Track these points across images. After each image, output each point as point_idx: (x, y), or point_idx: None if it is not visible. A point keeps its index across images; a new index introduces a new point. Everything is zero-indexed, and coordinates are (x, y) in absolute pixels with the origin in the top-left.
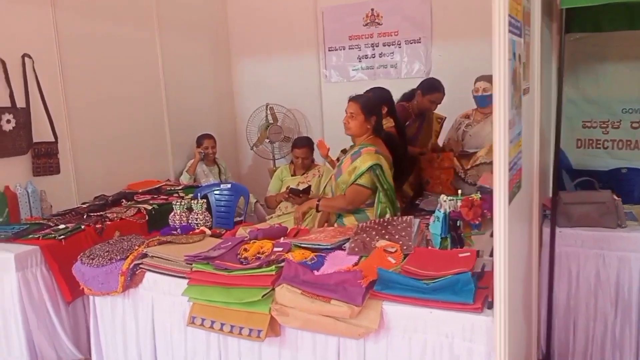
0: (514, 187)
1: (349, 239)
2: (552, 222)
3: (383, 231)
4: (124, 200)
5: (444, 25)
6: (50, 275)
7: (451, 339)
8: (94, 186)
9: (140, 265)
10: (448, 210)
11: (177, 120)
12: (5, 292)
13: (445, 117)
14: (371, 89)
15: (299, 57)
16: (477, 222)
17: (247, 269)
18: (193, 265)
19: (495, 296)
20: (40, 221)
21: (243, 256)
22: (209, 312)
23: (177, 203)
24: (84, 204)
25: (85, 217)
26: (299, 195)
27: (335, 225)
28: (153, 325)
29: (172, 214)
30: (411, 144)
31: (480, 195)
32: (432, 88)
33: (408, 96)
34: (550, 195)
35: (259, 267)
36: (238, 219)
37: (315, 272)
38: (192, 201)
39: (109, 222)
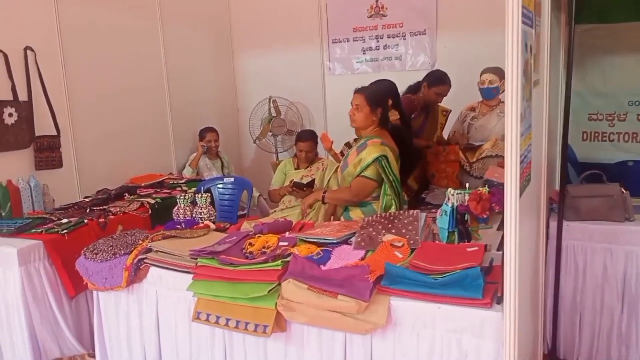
0: (524, 181)
1: (354, 233)
2: (560, 215)
3: (389, 225)
4: (126, 194)
5: (450, 17)
6: (53, 269)
7: (460, 335)
8: (96, 180)
9: (145, 260)
10: (456, 204)
11: (179, 113)
12: (8, 286)
13: (451, 110)
14: (376, 81)
15: (302, 49)
16: (485, 216)
17: (252, 264)
18: (198, 260)
19: (505, 292)
20: (43, 215)
21: (248, 251)
22: (214, 308)
23: (181, 197)
24: (86, 197)
25: (88, 211)
26: (302, 188)
27: (342, 218)
28: (157, 321)
29: (176, 208)
30: (416, 137)
31: (488, 189)
32: (438, 80)
33: (414, 88)
34: (557, 188)
35: (265, 261)
36: (241, 212)
37: (322, 267)
38: (196, 195)
39: (112, 216)
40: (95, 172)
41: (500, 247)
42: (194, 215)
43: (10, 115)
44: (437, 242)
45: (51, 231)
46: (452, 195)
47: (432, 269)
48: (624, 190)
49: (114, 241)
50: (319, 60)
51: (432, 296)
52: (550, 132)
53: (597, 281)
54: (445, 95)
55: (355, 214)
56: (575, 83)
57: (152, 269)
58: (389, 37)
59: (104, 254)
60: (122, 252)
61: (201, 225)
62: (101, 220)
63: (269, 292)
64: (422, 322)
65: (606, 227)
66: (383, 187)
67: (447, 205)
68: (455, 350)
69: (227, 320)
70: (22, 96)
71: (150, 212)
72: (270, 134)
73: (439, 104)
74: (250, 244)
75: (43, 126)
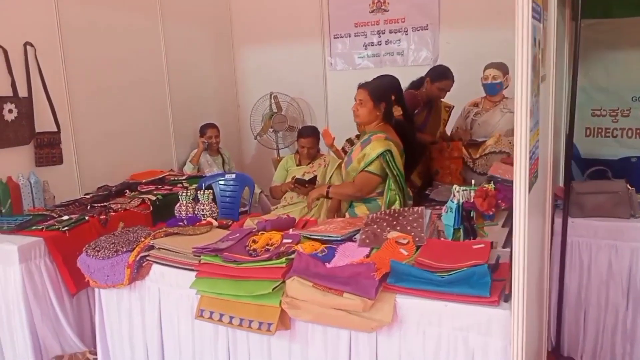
0: (532, 177)
1: (359, 230)
2: (565, 212)
3: (394, 222)
4: (127, 190)
5: (452, 12)
6: (54, 267)
7: (466, 333)
8: (97, 176)
9: (147, 258)
10: (462, 201)
11: (180, 109)
12: (9, 284)
13: (454, 106)
14: (380, 76)
15: (303, 44)
16: (491, 213)
17: (256, 261)
18: (201, 257)
19: (513, 290)
20: (44, 212)
21: (252, 248)
22: (217, 305)
23: (183, 194)
24: (87, 194)
25: (89, 208)
26: (304, 185)
27: (347, 215)
28: (160, 318)
29: (178, 204)
30: (419, 133)
31: (494, 186)
32: (441, 75)
33: (416, 84)
34: (561, 184)
35: (269, 259)
36: (242, 209)
37: (327, 265)
38: (198, 192)
39: (113, 213)
40: (96, 169)
41: (506, 244)
42: (196, 212)
43: (10, 111)
44: (442, 239)
45: (52, 228)
46: (458, 192)
47: (439, 267)
48: (629, 187)
49: (116, 238)
50: (320, 55)
51: (439, 294)
52: (555, 128)
53: (602, 278)
54: (449, 90)
55: (361, 210)
56: (579, 78)
57: (155, 267)
58: (390, 32)
59: (106, 251)
60: (124, 250)
61: (203, 222)
62: (102, 217)
63: (273, 289)
64: (428, 320)
65: (611, 223)
66: (387, 182)
67: (453, 202)
68: (462, 348)
69: (231, 318)
70: (22, 92)
71: (151, 208)
72: (271, 130)
73: (442, 99)
74: (254, 241)
75: (43, 122)
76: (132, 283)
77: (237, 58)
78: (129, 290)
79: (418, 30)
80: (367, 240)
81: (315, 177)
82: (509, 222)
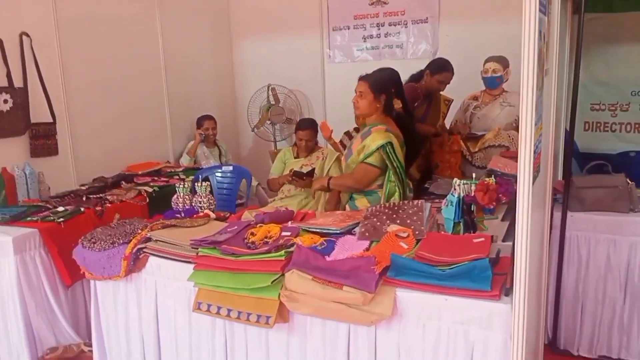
0: (535, 172)
1: (358, 223)
2: (564, 206)
3: (394, 215)
4: (123, 182)
5: (452, 5)
6: (49, 258)
7: (467, 327)
8: (92, 168)
9: (144, 250)
10: (462, 195)
11: (177, 100)
12: (4, 275)
13: (453, 100)
14: (380, 69)
15: (302, 36)
16: (492, 207)
17: (255, 254)
18: (199, 249)
19: (515, 284)
20: (39, 203)
21: (250, 241)
22: (215, 298)
23: (180, 186)
24: (82, 185)
25: (84, 199)
26: (302, 178)
27: (347, 207)
28: (156, 311)
29: (175, 196)
30: (422, 124)
31: (495, 180)
32: (441, 68)
33: (416, 77)
34: (560, 178)
35: (268, 252)
36: (239, 201)
37: (326, 258)
38: (196, 184)
39: (109, 205)
40: (92, 160)
41: (506, 237)
42: (193, 204)
43: (6, 101)
44: (442, 232)
45: (47, 219)
46: (459, 185)
47: (439, 260)
48: (629, 181)
49: (112, 230)
50: (319, 48)
51: (439, 288)
52: (556, 122)
53: (599, 272)
54: (448, 83)
55: (362, 202)
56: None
57: (151, 259)
58: (390, 25)
59: (102, 243)
60: (121, 242)
61: (201, 214)
62: (98, 208)
63: (272, 282)
64: (428, 313)
65: (611, 217)
66: (387, 173)
67: (454, 196)
68: (462, 342)
69: (229, 310)
70: (18, 82)
71: (147, 200)
72: (268, 122)
73: (442, 92)
74: (252, 234)
75: (39, 113)
76: (129, 275)
77: (235, 49)
78: (125, 283)
79: (418, 23)
80: (367, 234)
81: (313, 169)
82: (508, 215)
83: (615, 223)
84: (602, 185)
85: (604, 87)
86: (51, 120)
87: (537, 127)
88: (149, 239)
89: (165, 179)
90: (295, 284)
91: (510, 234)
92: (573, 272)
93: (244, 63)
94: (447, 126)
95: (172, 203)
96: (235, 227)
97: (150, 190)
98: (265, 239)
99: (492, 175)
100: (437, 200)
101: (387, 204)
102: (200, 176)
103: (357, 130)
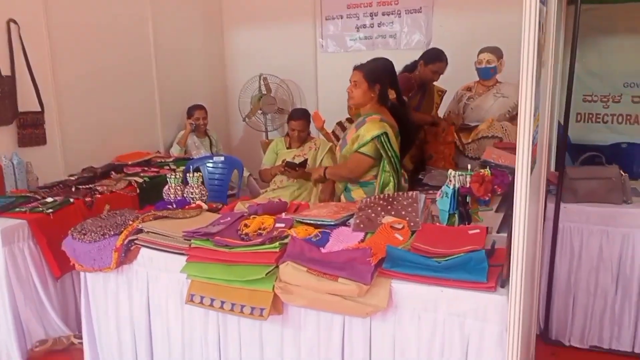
0: (532, 162)
1: (352, 214)
2: (557, 197)
3: (388, 207)
4: (113, 172)
5: None
6: (38, 250)
7: (462, 318)
8: (81, 158)
9: (135, 241)
10: (457, 186)
11: (167, 90)
12: None
13: (446, 91)
14: (374, 59)
15: (294, 26)
16: (487, 198)
17: (249, 246)
18: (192, 241)
19: (511, 276)
20: (27, 194)
21: (244, 232)
22: (208, 290)
23: (172, 176)
24: (71, 176)
25: (73, 190)
26: (295, 168)
27: (342, 198)
28: (148, 303)
29: (167, 187)
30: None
31: (490, 171)
32: (434, 57)
33: (410, 68)
34: (553, 170)
35: (262, 243)
36: (230, 192)
37: (322, 250)
38: (187, 174)
39: (99, 195)
40: (81, 150)
41: (501, 229)
42: (185, 195)
43: None
44: (437, 224)
45: (36, 210)
46: (454, 177)
47: (435, 252)
48: (623, 173)
49: (103, 221)
50: (312, 37)
51: (435, 279)
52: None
53: (592, 263)
54: (442, 73)
55: (357, 194)
56: None
57: (143, 250)
58: (383, 14)
59: (93, 234)
60: (112, 233)
61: (193, 205)
62: (88, 199)
63: (266, 274)
64: (423, 305)
65: (604, 209)
66: (382, 162)
67: (449, 187)
68: (457, 333)
69: (222, 302)
70: (5, 71)
71: (138, 191)
72: (260, 112)
73: (435, 83)
74: (246, 225)
75: (26, 102)
76: (120, 267)
77: (227, 38)
78: (116, 274)
79: (411, 13)
80: (362, 225)
81: (306, 160)
82: (502, 207)
83: (608, 214)
84: (595, 176)
85: (596, 78)
86: (39, 109)
87: (535, 118)
88: (140, 231)
89: (155, 170)
90: (289, 275)
91: (505, 226)
92: (565, 263)
93: (235, 52)
94: (441, 117)
95: (164, 194)
96: (229, 218)
97: (140, 180)
98: (259, 231)
99: (487, 167)
100: (431, 192)
101: (382, 195)
102: (191, 167)
103: (349, 120)
